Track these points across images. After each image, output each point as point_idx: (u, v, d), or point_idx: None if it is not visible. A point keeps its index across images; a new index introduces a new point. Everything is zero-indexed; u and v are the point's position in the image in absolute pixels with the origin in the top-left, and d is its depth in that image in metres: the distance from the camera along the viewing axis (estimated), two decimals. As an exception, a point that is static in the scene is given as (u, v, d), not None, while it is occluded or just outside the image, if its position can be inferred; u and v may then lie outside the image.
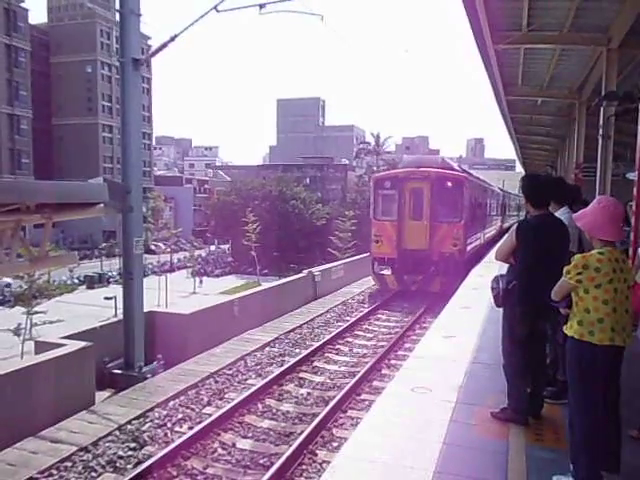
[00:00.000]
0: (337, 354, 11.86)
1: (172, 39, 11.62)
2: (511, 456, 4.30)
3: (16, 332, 24.86)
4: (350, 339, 13.11)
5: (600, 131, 13.39)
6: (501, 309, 4.92)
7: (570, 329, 3.69)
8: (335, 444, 7.25)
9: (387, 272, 18.27)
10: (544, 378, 5.04)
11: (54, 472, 6.77)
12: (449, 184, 17.27)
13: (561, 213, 5.23)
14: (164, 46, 11.80)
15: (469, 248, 18.16)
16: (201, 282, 42.42)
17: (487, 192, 25.12)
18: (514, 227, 4.77)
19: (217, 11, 11.46)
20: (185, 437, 7.44)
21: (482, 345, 7.51)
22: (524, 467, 4.11)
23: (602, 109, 13.21)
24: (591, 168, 15.63)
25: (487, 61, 15.16)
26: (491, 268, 11.90)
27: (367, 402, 8.67)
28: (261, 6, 11.36)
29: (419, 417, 5.07)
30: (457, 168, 20.01)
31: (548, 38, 12.98)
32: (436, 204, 17.17)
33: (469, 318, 9.30)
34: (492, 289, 4.82)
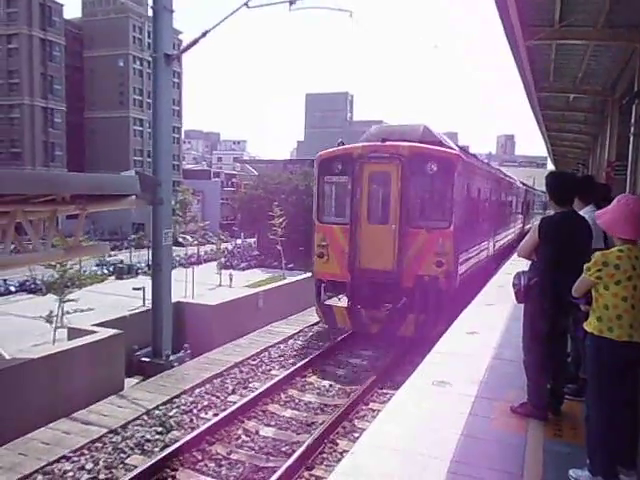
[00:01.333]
0: (363, 349, 11.96)
1: (203, 35, 11.84)
2: (529, 450, 4.36)
3: (48, 319, 25.58)
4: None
5: (632, 129, 13.15)
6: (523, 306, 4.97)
7: (589, 325, 3.74)
8: (356, 434, 7.37)
9: (340, 302, 11.84)
10: (565, 375, 5.07)
11: (85, 452, 7.06)
12: (432, 167, 10.85)
13: (586, 212, 5.24)
14: (195, 42, 12.03)
15: (464, 268, 11.79)
16: (231, 279, 42.91)
17: (501, 184, 18.66)
18: (536, 223, 4.80)
19: (247, 7, 11.63)
20: (210, 423, 7.66)
21: (505, 342, 7.53)
22: (541, 460, 4.17)
23: (634, 107, 12.98)
24: (622, 166, 15.35)
25: (518, 57, 14.98)
26: (519, 265, 11.46)
27: (389, 395, 8.77)
28: (291, 2, 11.49)
29: (438, 410, 5.16)
30: (449, 143, 12.66)
31: (581, 34, 12.76)
32: (410, 199, 10.95)
33: (493, 315, 9.29)
34: (514, 285, 4.86)
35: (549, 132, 29.47)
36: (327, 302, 11.86)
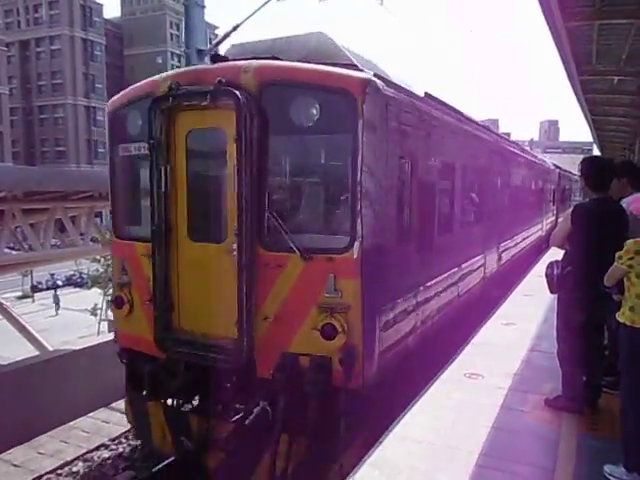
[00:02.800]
0: None
1: (234, 29, 11.87)
2: (562, 444, 4.24)
3: (93, 312, 26.46)
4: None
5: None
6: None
7: (622, 315, 3.59)
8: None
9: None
10: (601, 367, 4.90)
11: (123, 440, 7.28)
12: (310, 111, 5.10)
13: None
14: (227, 36, 12.08)
15: (397, 337, 5.77)
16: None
17: (510, 162, 12.49)
18: (569, 211, 4.64)
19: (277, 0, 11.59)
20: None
21: (542, 333, 7.33)
22: (574, 455, 4.05)
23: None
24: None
25: (558, 39, 14.46)
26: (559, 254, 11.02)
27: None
28: (320, -8, 11.39)
29: (469, 402, 5.06)
30: (378, 70, 5.93)
31: (623, 13, 12.22)
32: (265, 187, 5.32)
33: (531, 305, 9.07)
34: (546, 275, 4.73)
35: (593, 116, 28.45)
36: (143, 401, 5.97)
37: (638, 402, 3.50)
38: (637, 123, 26.63)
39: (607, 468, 3.71)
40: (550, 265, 4.73)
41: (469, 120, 8.85)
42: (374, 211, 4.98)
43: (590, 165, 4.78)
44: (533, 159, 17.39)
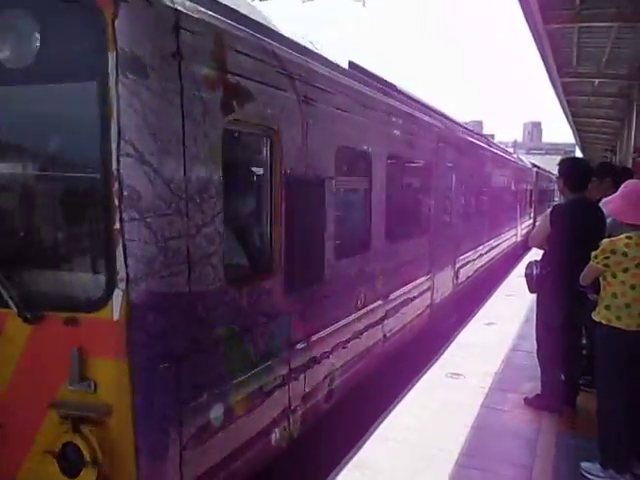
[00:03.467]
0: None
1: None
2: (541, 442, 4.28)
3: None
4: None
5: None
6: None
7: (598, 315, 3.63)
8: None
9: None
10: (579, 366, 4.95)
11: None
12: (24, 40, 2.65)
13: None
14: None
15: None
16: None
17: (473, 155, 10.49)
18: (548, 211, 4.70)
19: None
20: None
21: (523, 333, 7.40)
22: (553, 454, 4.09)
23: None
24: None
25: (539, 42, 14.63)
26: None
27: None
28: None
29: (450, 402, 5.09)
30: None
31: (604, 16, 12.39)
32: None
33: (513, 306, 9.15)
34: (526, 275, 4.80)
35: (575, 118, 28.84)
36: None
37: (613, 400, 3.54)
38: (618, 125, 27.05)
39: (584, 465, 3.75)
40: (529, 265, 4.79)
41: (402, 94, 6.27)
42: (156, 229, 2.66)
43: (569, 165, 4.85)
44: (504, 155, 15.10)
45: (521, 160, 20.34)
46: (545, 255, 4.79)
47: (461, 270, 9.34)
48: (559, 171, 4.87)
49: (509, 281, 11.73)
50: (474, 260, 10.62)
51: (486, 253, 12.06)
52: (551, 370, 4.74)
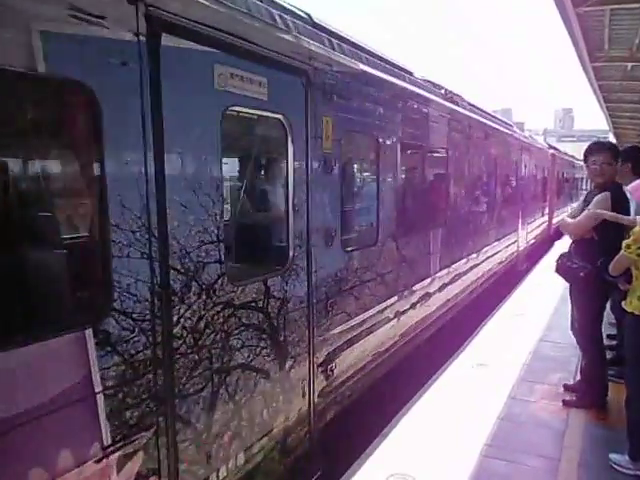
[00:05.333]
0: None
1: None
2: (569, 434, 4.23)
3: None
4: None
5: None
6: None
7: (630, 305, 3.56)
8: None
9: None
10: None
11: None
12: None
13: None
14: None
15: None
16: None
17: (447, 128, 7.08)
18: (601, 197, 4.31)
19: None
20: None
21: (552, 324, 7.31)
22: (580, 445, 4.04)
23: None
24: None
25: (569, 26, 14.24)
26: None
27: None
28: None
29: (477, 392, 5.07)
30: None
31: (636, -4, 11.99)
32: None
33: (542, 296, 9.02)
34: (571, 269, 4.44)
35: (607, 104, 28.00)
36: None
37: (643, 391, 3.47)
38: (653, 109, 26.20)
39: (612, 457, 3.70)
40: (568, 257, 4.55)
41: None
42: None
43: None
44: (499, 128, 10.60)
45: (533, 140, 15.91)
46: (590, 246, 4.38)
47: (401, 317, 5.66)
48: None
49: (539, 271, 11.56)
50: (434, 293, 6.71)
51: (463, 275, 8.00)
52: (599, 364, 4.61)
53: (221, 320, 3.01)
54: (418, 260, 6.11)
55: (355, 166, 5.64)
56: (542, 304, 8.43)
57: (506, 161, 11.00)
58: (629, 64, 19.00)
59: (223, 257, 3.02)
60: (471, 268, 8.45)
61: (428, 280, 6.47)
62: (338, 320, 4.29)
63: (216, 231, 2.95)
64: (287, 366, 3.63)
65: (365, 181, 5.78)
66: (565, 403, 4.74)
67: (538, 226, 15.67)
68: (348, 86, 4.36)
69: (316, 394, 4.00)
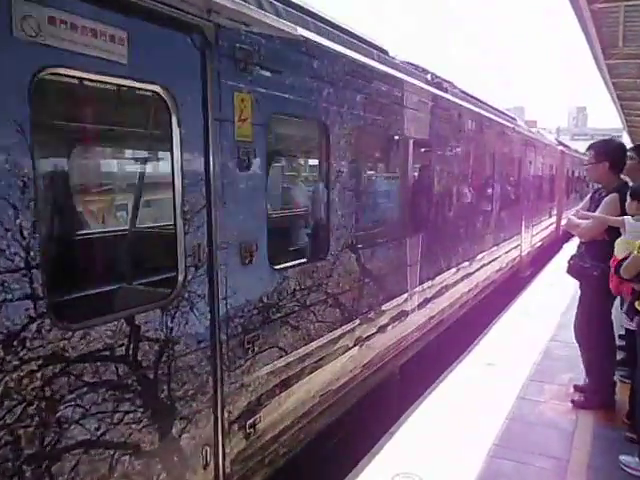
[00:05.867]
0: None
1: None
2: (578, 435, 4.18)
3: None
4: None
5: None
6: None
7: (643, 305, 3.50)
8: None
9: None
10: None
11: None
12: None
13: None
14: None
15: None
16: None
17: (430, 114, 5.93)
18: (613, 199, 4.26)
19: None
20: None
21: (562, 323, 7.22)
22: (589, 446, 3.98)
23: None
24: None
25: (583, 23, 14.11)
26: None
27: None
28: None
29: (486, 391, 5.04)
30: None
31: (652, -8, 11.83)
32: None
33: (552, 295, 8.94)
34: (584, 268, 4.41)
35: (622, 102, 27.70)
36: None
37: (653, 392, 3.42)
38: (667, 108, 25.89)
39: (622, 459, 3.65)
40: (581, 257, 4.48)
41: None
42: None
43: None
44: (499, 121, 9.33)
45: (538, 133, 14.89)
46: (604, 246, 4.24)
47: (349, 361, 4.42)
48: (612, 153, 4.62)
49: (549, 270, 11.45)
50: (399, 324, 5.35)
51: (440, 296, 6.53)
52: (606, 364, 4.55)
53: (38, 384, 2.05)
54: (389, 273, 5.01)
55: (292, 159, 4.67)
56: (552, 303, 8.34)
57: (507, 157, 10.01)
58: (644, 61, 18.76)
59: (40, 290, 2.03)
60: (462, 278, 7.40)
61: (404, 296, 5.39)
62: (265, 358, 3.26)
63: (21, 253, 1.97)
64: (174, 431, 2.66)
65: (308, 178, 4.88)
66: (573, 403, 4.69)
67: (545, 228, 14.83)
68: (279, 55, 3.31)
69: (228, 461, 2.97)
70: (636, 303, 3.60)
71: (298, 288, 3.58)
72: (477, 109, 8.07)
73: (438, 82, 6.54)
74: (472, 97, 8.28)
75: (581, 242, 4.64)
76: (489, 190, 8.90)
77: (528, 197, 11.99)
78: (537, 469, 3.70)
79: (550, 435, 4.18)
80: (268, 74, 3.19)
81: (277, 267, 3.41)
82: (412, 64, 6.10)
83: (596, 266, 4.32)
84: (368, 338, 4.62)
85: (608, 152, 4.57)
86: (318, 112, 3.79)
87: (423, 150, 6.04)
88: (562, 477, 3.61)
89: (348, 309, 4.26)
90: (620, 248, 3.85)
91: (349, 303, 4.27)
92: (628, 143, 40.66)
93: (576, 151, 21.29)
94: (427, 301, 6.08)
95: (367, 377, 4.63)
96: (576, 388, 4.93)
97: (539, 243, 13.66)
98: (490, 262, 8.89)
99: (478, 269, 8.18)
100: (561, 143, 19.03)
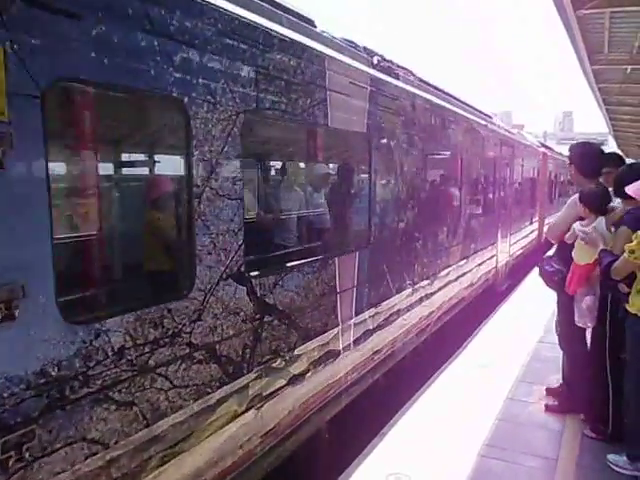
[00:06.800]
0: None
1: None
2: (566, 434, 4.23)
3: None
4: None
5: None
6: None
7: (633, 306, 3.53)
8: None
9: None
10: None
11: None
12: None
13: None
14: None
15: None
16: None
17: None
18: (575, 198, 4.28)
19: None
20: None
21: (550, 325, 7.28)
22: (578, 446, 4.03)
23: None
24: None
25: (569, 28, 14.30)
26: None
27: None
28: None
29: (476, 392, 5.08)
30: None
31: (636, -1, 12.02)
32: None
33: (542, 298, 9.00)
34: (547, 272, 4.42)
35: (607, 107, 28.04)
36: None
37: (641, 392, 3.47)
38: (652, 112, 26.23)
39: (610, 457, 3.69)
40: (548, 262, 4.49)
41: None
42: None
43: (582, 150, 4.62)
44: (467, 116, 8.25)
45: (518, 134, 13.56)
46: (560, 249, 4.40)
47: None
48: (575, 156, 4.58)
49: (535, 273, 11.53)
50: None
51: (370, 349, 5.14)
52: (584, 369, 4.49)
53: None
54: (308, 306, 3.89)
55: (111, 150, 3.24)
56: (542, 305, 8.41)
57: (479, 158, 8.89)
58: (628, 67, 19.03)
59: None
60: (421, 300, 6.34)
61: (333, 332, 4.27)
62: (57, 463, 2.10)
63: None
64: None
65: (151, 181, 3.54)
66: (547, 408, 4.65)
67: (525, 236, 13.66)
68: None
69: None
70: (627, 305, 3.64)
71: (129, 345, 2.44)
72: (441, 102, 6.97)
73: (386, 67, 5.30)
74: (437, 89, 7.09)
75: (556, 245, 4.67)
76: (456, 195, 7.83)
77: (505, 203, 10.96)
78: (527, 468, 3.74)
79: (539, 435, 4.23)
80: (50, 16, 2.01)
81: (76, 320, 2.23)
82: (351, 42, 4.83)
83: (559, 271, 4.33)
84: (271, 395, 3.47)
85: (573, 156, 4.60)
86: (164, 83, 2.57)
87: (357, 144, 5.01)
88: (551, 476, 3.65)
89: (235, 361, 3.13)
90: (581, 253, 3.97)
91: (236, 353, 3.14)
92: (614, 147, 40.97)
93: (560, 154, 20.43)
94: (369, 333, 4.96)
95: (272, 448, 3.47)
96: (548, 392, 4.94)
97: (519, 252, 12.76)
98: (457, 278, 7.85)
99: (442, 287, 7.15)
100: (543, 145, 18.41)
